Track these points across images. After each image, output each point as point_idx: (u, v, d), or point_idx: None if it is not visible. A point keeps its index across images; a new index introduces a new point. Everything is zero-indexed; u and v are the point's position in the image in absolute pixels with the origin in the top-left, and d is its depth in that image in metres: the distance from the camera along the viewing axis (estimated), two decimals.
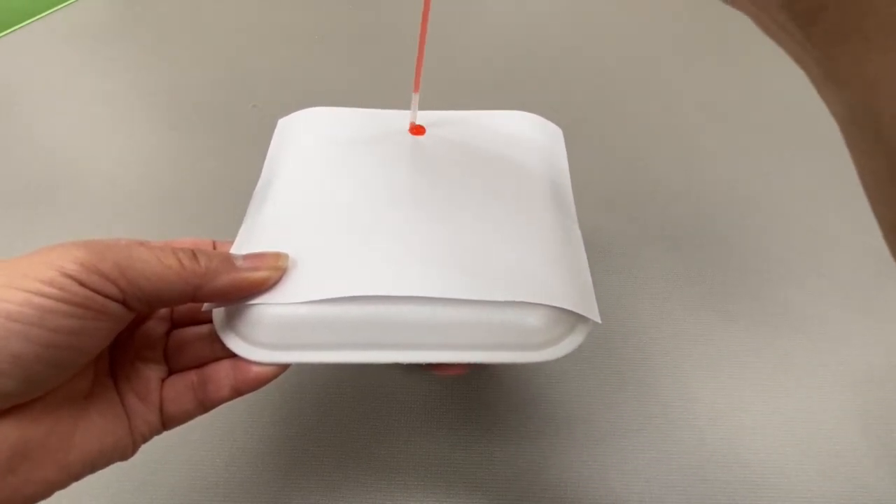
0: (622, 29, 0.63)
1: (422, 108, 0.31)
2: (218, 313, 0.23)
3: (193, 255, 0.21)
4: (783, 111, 0.52)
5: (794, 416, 0.33)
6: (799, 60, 0.14)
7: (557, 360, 0.23)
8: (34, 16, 0.64)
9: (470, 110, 0.33)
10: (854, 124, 0.14)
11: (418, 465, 0.31)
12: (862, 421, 0.32)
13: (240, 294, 0.22)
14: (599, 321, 0.23)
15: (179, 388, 0.23)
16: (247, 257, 0.22)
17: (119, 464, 0.21)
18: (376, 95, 0.54)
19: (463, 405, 0.33)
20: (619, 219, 0.43)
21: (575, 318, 0.23)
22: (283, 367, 0.23)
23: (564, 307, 0.23)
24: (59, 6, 0.65)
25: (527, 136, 0.32)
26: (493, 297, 0.22)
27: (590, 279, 0.25)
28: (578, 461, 0.31)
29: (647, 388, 0.34)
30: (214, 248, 0.26)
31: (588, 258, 0.26)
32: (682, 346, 0.36)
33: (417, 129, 0.31)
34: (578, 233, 0.28)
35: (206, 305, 0.23)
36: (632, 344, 0.36)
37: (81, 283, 0.18)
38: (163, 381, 0.23)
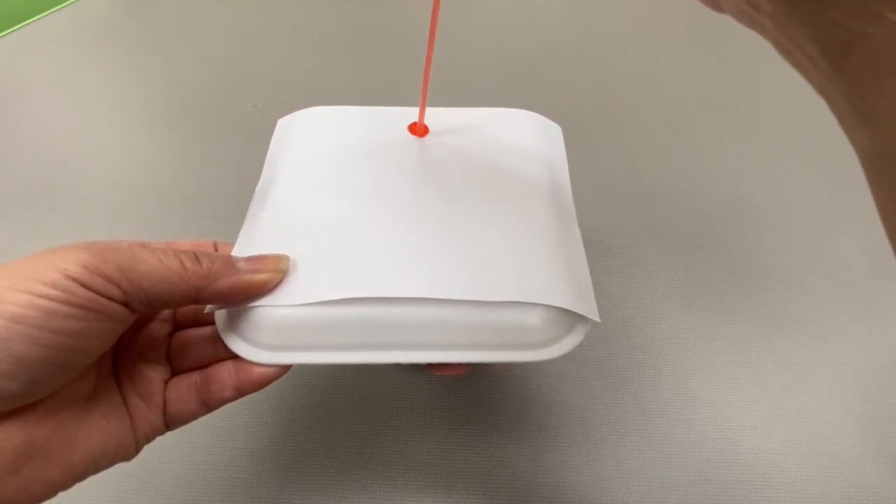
0: (622, 28, 0.63)
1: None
2: (220, 315, 0.23)
3: (195, 257, 0.21)
4: (784, 111, 0.52)
5: (794, 416, 0.33)
6: (822, 91, 0.14)
7: (557, 360, 0.23)
8: (34, 16, 0.64)
9: (469, 108, 0.33)
10: (882, 160, 0.13)
11: (418, 465, 0.31)
12: (862, 421, 0.32)
13: (241, 296, 0.22)
14: (598, 320, 0.23)
15: (182, 389, 0.23)
16: (248, 260, 0.22)
17: (120, 463, 0.21)
18: (376, 95, 0.54)
19: (463, 405, 0.33)
20: (619, 219, 0.43)
21: (574, 318, 0.23)
22: (286, 368, 0.23)
23: (563, 307, 0.23)
24: (59, 6, 0.65)
25: (526, 134, 0.32)
26: (491, 298, 0.22)
27: (589, 278, 0.25)
28: (578, 461, 0.31)
29: (647, 388, 0.34)
30: (216, 249, 0.26)
31: (588, 258, 0.26)
32: (682, 346, 0.36)
33: (417, 129, 0.31)
34: (578, 232, 0.28)
35: (208, 307, 0.23)
36: (632, 344, 0.36)
37: (84, 285, 0.18)
38: (166, 382, 0.23)
